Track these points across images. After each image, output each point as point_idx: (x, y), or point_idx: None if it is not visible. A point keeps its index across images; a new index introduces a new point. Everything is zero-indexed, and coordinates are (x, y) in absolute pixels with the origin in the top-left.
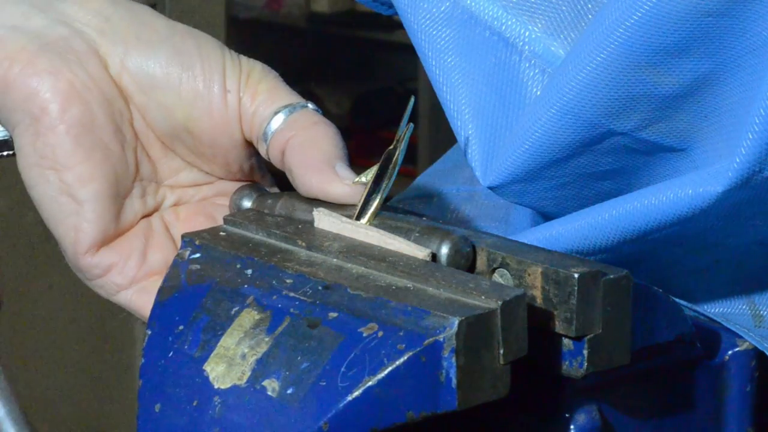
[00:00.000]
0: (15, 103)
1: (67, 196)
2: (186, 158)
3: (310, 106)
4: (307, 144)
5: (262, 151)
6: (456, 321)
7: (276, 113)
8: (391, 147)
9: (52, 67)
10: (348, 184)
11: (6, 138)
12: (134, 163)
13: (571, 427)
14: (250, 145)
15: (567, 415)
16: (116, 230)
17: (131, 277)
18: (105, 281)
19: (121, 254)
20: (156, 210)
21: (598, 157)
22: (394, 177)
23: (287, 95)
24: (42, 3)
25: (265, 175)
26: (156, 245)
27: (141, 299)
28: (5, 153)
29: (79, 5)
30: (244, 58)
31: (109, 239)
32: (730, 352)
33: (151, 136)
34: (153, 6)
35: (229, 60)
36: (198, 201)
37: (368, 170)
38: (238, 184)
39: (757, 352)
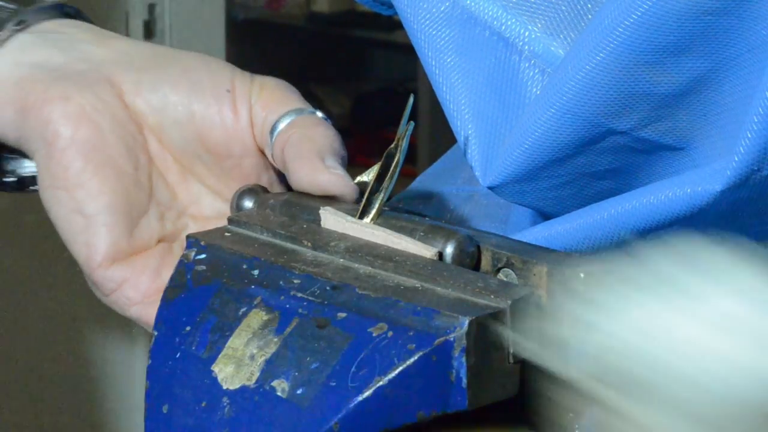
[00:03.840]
0: (32, 131)
1: (78, 214)
2: (205, 181)
3: (319, 114)
4: (304, 139)
5: (269, 155)
6: (466, 321)
7: (283, 117)
8: (392, 146)
9: (63, 93)
10: (335, 174)
11: (35, 174)
12: (148, 184)
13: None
14: (264, 156)
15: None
16: (130, 246)
17: (143, 291)
18: (118, 295)
19: (135, 270)
20: (176, 237)
21: (598, 156)
22: (396, 176)
23: (298, 102)
24: (65, 44)
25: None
26: (171, 265)
27: (152, 313)
28: (34, 188)
29: (103, 45)
30: (257, 76)
31: (122, 254)
32: None
33: (169, 160)
34: (152, 6)
35: (239, 74)
36: None
37: (370, 169)
38: None
39: None
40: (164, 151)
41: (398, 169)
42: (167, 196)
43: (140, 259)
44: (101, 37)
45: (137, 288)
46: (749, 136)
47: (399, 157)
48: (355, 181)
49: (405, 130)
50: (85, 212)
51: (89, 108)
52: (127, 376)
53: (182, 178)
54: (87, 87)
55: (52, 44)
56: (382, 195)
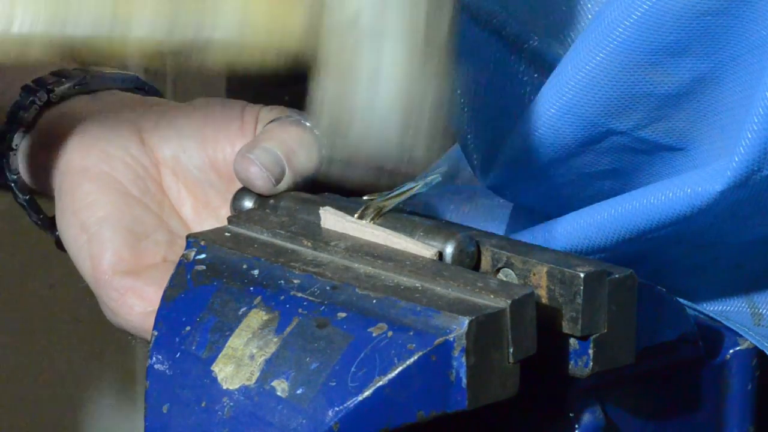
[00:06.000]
0: (52, 167)
1: (83, 231)
2: (219, 212)
3: (301, 120)
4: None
5: None
6: (466, 321)
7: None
8: (415, 180)
9: (82, 130)
10: (251, 160)
11: None
12: (157, 209)
13: (576, 426)
14: None
15: (571, 415)
16: (133, 258)
17: (147, 299)
18: (122, 303)
19: (139, 281)
20: None
21: (598, 156)
22: (404, 199)
23: (288, 113)
24: (109, 102)
25: None
26: None
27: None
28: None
29: (142, 103)
30: (268, 106)
31: (126, 265)
32: (731, 351)
33: (184, 194)
34: None
35: (249, 105)
36: None
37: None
38: None
39: (757, 351)
40: (179, 184)
41: (408, 196)
42: (181, 228)
43: (146, 272)
44: (147, 101)
45: (141, 296)
46: (749, 136)
47: (415, 190)
48: (365, 198)
49: (433, 177)
50: (89, 229)
51: (102, 140)
52: (128, 377)
53: (196, 213)
54: (107, 125)
55: (99, 103)
56: (384, 197)
